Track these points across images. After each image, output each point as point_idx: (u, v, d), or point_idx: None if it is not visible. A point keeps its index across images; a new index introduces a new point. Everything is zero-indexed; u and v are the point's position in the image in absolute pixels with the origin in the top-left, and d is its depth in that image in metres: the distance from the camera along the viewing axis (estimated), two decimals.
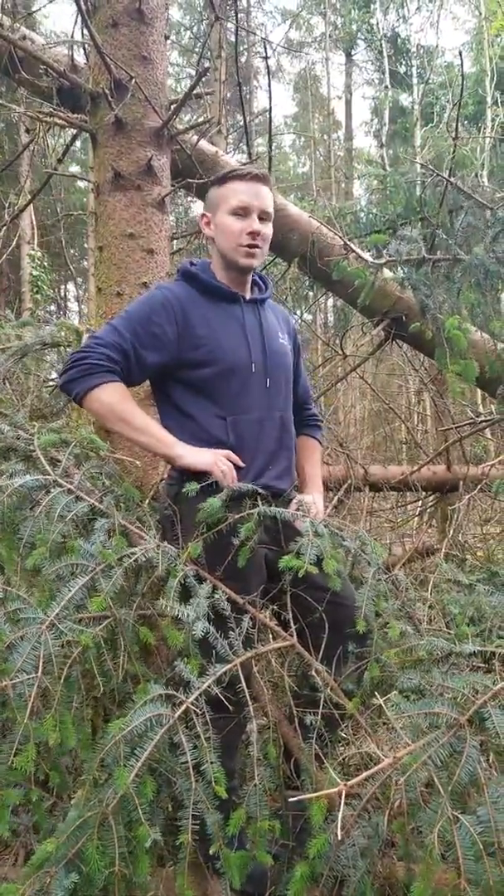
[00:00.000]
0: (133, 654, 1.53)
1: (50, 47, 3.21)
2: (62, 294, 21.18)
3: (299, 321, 5.44)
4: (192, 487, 1.72)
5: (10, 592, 1.48)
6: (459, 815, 1.08)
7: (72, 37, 3.31)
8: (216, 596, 1.60)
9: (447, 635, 1.87)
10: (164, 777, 1.43)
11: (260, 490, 1.76)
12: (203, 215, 1.95)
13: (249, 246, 1.85)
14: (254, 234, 1.84)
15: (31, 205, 10.95)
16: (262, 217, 1.87)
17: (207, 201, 1.95)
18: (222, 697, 1.47)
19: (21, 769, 1.30)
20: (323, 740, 1.61)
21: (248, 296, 1.95)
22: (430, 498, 5.07)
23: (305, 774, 1.60)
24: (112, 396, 1.79)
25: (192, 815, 1.36)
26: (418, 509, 5.58)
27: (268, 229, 1.89)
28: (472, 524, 5.38)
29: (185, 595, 1.59)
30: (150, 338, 1.81)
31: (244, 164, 1.97)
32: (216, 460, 1.75)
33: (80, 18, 2.74)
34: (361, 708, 1.68)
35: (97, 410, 1.81)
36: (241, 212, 1.84)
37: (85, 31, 2.74)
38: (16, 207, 4.61)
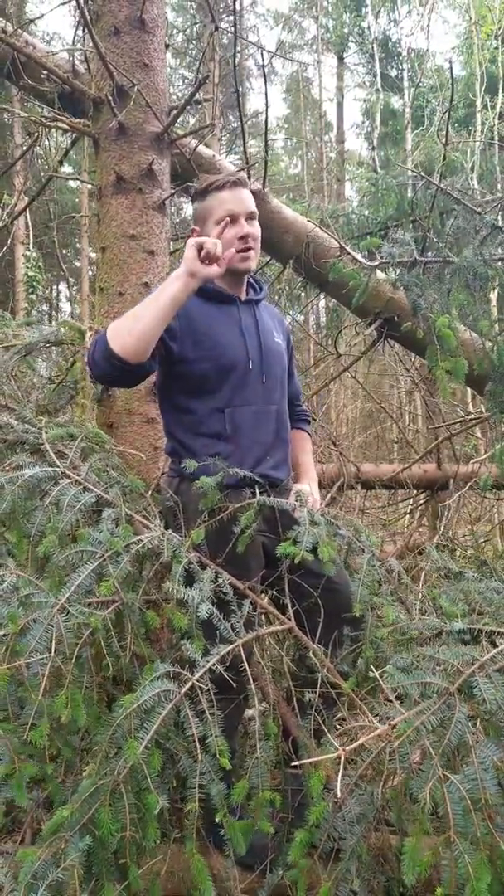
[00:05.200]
0: (139, 636, 1.61)
1: (53, 54, 3.29)
2: (55, 294, 21.20)
3: (293, 321, 5.53)
4: (191, 464, 1.81)
5: (21, 578, 1.55)
6: (449, 774, 1.17)
7: (73, 44, 3.38)
8: (219, 580, 1.68)
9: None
10: (169, 753, 1.51)
11: (258, 479, 1.84)
12: (193, 230, 2.01)
13: (244, 249, 1.93)
14: (245, 238, 1.93)
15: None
16: (249, 218, 1.96)
17: (195, 215, 2.04)
18: (226, 676, 1.55)
19: (35, 743, 1.38)
20: (321, 716, 1.69)
21: (243, 297, 2.04)
22: (421, 496, 5.17)
23: (303, 749, 1.69)
24: (118, 321, 1.78)
25: (198, 790, 1.44)
26: (409, 507, 5.68)
27: (256, 229, 1.97)
28: (462, 522, 5.48)
29: (189, 581, 1.68)
30: None
31: (229, 172, 2.04)
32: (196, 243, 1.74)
33: (83, 27, 2.82)
34: (356, 689, 1.77)
35: (122, 336, 1.75)
36: (229, 219, 1.91)
37: (87, 39, 2.82)
38: (14, 209, 4.67)
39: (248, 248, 1.94)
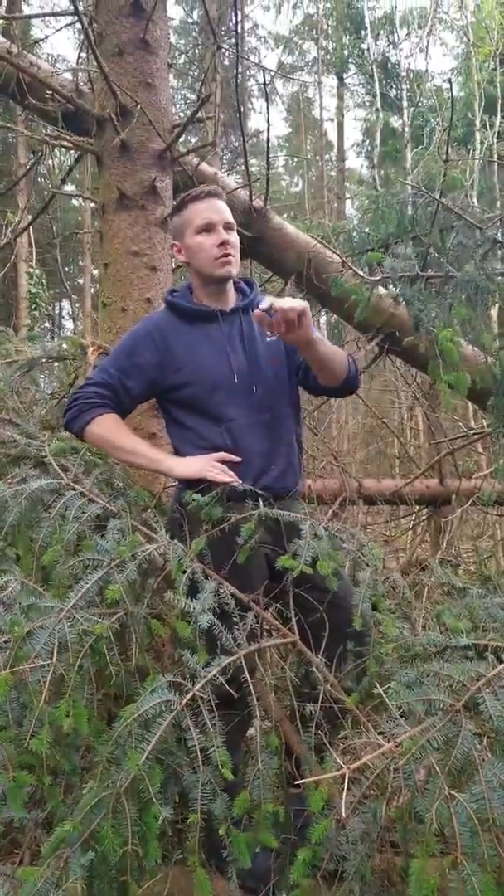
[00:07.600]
0: (142, 647, 1.60)
1: (57, 74, 3.33)
2: (57, 311, 21.33)
3: None
4: (189, 496, 1.81)
5: (26, 586, 1.54)
6: (456, 794, 1.15)
7: (77, 64, 3.43)
8: (221, 591, 1.67)
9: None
10: (171, 770, 1.48)
11: (259, 491, 1.84)
12: (173, 245, 2.08)
13: (223, 256, 1.95)
14: (224, 244, 1.95)
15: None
16: (227, 228, 1.99)
17: (173, 230, 2.08)
18: (228, 689, 1.53)
19: (36, 752, 1.35)
20: (323, 731, 1.67)
21: (228, 307, 2.03)
22: (423, 511, 5.15)
23: (306, 765, 1.66)
24: (103, 427, 1.95)
25: (199, 809, 1.41)
26: (412, 523, 5.66)
27: (234, 238, 2.00)
28: (464, 538, 5.45)
29: (193, 592, 1.67)
30: (134, 368, 1.97)
31: (205, 185, 2.08)
32: (205, 466, 1.86)
33: (87, 47, 2.85)
34: (360, 705, 1.75)
35: (94, 443, 2.00)
36: (207, 228, 1.96)
37: (91, 60, 2.85)
38: (17, 226, 4.71)
39: (228, 255, 1.96)
